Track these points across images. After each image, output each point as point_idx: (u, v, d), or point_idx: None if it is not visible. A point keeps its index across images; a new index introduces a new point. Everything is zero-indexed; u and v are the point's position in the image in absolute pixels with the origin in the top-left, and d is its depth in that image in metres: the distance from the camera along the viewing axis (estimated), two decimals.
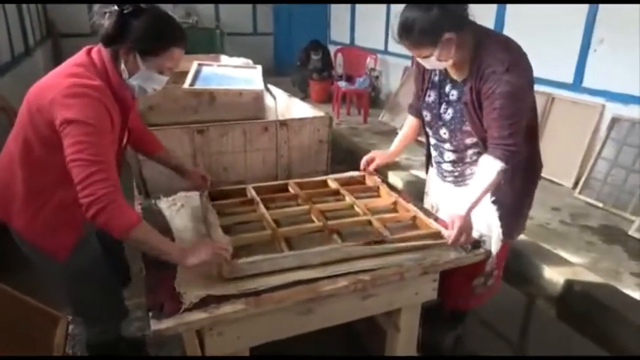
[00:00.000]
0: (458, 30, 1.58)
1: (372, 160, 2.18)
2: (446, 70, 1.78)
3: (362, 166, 2.19)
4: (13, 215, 1.49)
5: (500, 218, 1.89)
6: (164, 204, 1.88)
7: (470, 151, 1.84)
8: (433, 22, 1.54)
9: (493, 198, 1.86)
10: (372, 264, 1.51)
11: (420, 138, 2.21)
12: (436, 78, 1.84)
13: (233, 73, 3.64)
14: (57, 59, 8.17)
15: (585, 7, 4.01)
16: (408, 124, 2.16)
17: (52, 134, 1.33)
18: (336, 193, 2.01)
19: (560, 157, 4.17)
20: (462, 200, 1.66)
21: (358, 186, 2.10)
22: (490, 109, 1.62)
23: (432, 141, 1.98)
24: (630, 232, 3.28)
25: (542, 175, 4.41)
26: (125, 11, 1.35)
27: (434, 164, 2.06)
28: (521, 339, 2.62)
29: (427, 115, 1.90)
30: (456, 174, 1.94)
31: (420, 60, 1.71)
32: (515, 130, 1.61)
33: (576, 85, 4.18)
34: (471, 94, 1.68)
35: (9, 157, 1.48)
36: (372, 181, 2.14)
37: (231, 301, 1.34)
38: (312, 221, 1.74)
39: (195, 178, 1.91)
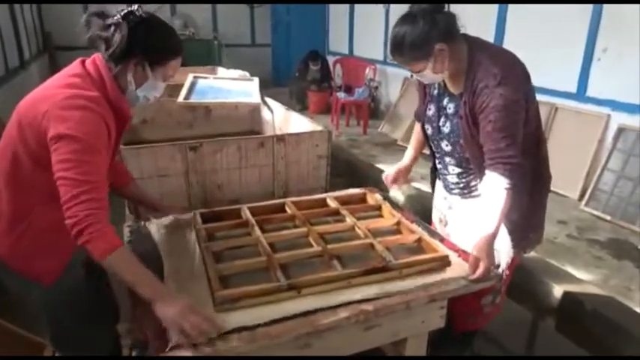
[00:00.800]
0: (448, 40, 1.58)
1: (397, 178, 2.04)
2: (444, 83, 1.76)
3: (388, 182, 2.04)
4: None
5: (511, 232, 1.81)
6: (154, 227, 1.78)
7: (472, 165, 1.78)
8: (422, 34, 1.55)
9: None
10: (375, 292, 1.41)
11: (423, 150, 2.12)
12: (435, 92, 1.83)
13: (229, 86, 3.55)
14: (54, 73, 8.06)
15: (588, 16, 3.94)
16: (416, 130, 2.10)
17: (42, 150, 1.26)
18: (336, 212, 1.90)
19: (564, 168, 4.06)
20: (481, 232, 1.59)
21: (359, 205, 2.00)
22: (485, 122, 1.60)
23: (436, 154, 1.94)
24: None
25: None
26: (131, 23, 1.31)
27: (440, 177, 2.01)
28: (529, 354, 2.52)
29: (429, 129, 1.88)
30: (462, 185, 1.88)
31: (416, 76, 1.70)
32: (512, 142, 1.57)
33: (580, 94, 4.09)
34: (465, 109, 1.66)
35: None
36: (373, 199, 2.04)
37: (223, 337, 1.23)
38: (311, 245, 1.63)
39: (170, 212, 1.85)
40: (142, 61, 1.36)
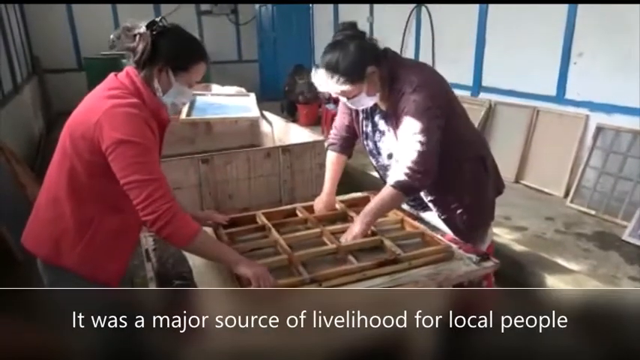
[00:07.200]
0: (377, 63, 1.68)
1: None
2: None
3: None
4: (64, 253, 1.46)
5: (455, 231, 1.91)
6: None
7: None
8: (355, 58, 1.64)
9: (444, 216, 1.91)
10: (388, 281, 1.55)
11: None
12: (368, 108, 1.89)
13: (227, 102, 3.70)
14: (43, 95, 8.18)
15: (563, 24, 4.18)
16: (330, 161, 2.12)
17: (98, 159, 1.37)
18: (344, 214, 2.05)
19: (549, 167, 4.29)
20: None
21: (364, 207, 2.14)
22: (401, 127, 1.70)
23: (379, 171, 2.02)
24: (624, 237, 3.36)
25: (534, 186, 4.49)
26: (155, 32, 1.41)
27: None
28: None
29: (369, 144, 1.96)
30: (411, 201, 1.96)
31: (349, 103, 1.79)
32: (425, 150, 1.65)
33: (560, 97, 4.32)
34: (393, 120, 1.76)
35: (52, 194, 1.47)
36: None
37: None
38: (325, 244, 1.77)
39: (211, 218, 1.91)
40: (165, 67, 1.44)
